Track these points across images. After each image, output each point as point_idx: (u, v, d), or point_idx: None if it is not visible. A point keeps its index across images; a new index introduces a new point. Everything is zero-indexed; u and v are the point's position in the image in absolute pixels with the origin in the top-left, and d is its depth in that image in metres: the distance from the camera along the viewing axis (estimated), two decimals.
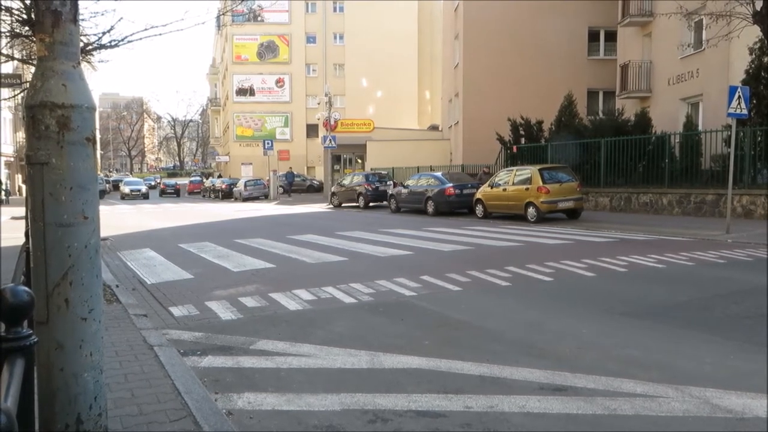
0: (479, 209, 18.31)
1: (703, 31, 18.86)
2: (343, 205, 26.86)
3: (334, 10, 56.36)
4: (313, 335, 5.31)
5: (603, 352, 4.67)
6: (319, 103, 40.42)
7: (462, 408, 3.63)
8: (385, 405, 3.69)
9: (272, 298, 6.86)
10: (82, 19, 10.95)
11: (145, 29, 10.37)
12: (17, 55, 12.48)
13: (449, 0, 35.19)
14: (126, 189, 47.28)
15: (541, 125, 23.80)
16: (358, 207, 25.54)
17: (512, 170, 17.89)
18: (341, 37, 56.21)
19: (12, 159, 47.19)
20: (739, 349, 4.68)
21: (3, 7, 9.29)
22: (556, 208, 16.06)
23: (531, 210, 16.10)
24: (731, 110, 11.87)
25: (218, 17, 18.29)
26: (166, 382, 3.97)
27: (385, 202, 24.40)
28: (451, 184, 19.92)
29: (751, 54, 15.74)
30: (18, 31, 10.31)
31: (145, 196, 46.40)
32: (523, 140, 24.01)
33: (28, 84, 3.17)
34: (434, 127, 43.42)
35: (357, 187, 26.03)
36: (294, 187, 42.23)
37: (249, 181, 39.47)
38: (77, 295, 2.52)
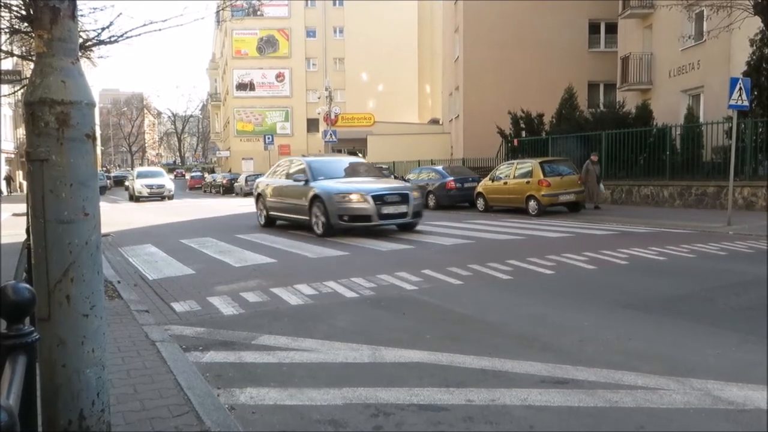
0: (480, 203, 18.31)
1: (704, 23, 18.80)
2: None
3: (334, 3, 56.28)
4: (315, 330, 5.32)
5: (604, 345, 4.67)
6: (319, 98, 40.38)
7: (464, 401, 3.63)
8: (387, 399, 3.70)
9: (274, 293, 6.86)
10: (81, 15, 10.96)
11: (145, 25, 10.44)
12: (17, 52, 12.49)
13: None
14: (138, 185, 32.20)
15: (542, 118, 23.77)
16: None
17: (513, 164, 17.87)
18: (341, 31, 56.11)
19: (12, 155, 47.23)
20: (742, 340, 4.68)
21: (2, 4, 9.28)
22: (557, 201, 16.05)
23: (532, 203, 16.09)
24: (732, 102, 11.84)
25: (217, 12, 18.21)
26: (168, 377, 3.98)
27: None
28: (452, 178, 19.93)
29: (752, 45, 15.70)
30: (17, 27, 10.32)
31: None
32: (523, 133, 23.99)
33: (27, 80, 3.16)
34: (435, 121, 43.39)
35: None
36: None
37: (250, 176, 39.47)
38: (79, 291, 2.52)
